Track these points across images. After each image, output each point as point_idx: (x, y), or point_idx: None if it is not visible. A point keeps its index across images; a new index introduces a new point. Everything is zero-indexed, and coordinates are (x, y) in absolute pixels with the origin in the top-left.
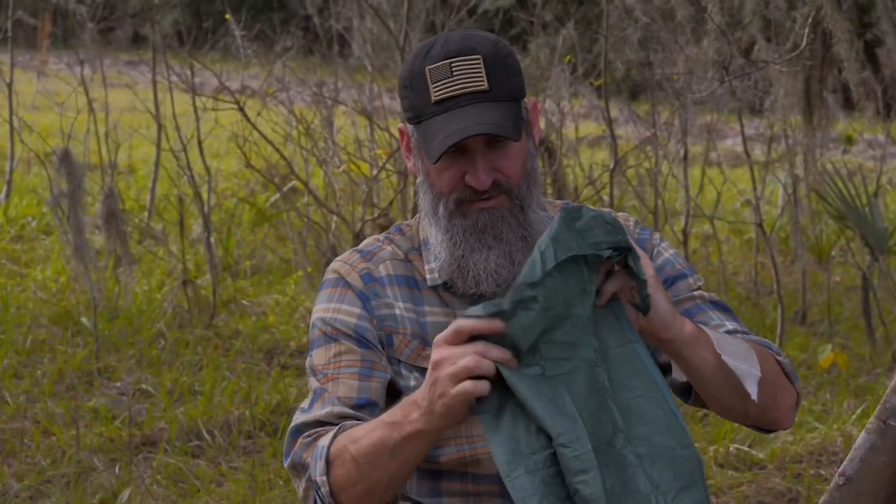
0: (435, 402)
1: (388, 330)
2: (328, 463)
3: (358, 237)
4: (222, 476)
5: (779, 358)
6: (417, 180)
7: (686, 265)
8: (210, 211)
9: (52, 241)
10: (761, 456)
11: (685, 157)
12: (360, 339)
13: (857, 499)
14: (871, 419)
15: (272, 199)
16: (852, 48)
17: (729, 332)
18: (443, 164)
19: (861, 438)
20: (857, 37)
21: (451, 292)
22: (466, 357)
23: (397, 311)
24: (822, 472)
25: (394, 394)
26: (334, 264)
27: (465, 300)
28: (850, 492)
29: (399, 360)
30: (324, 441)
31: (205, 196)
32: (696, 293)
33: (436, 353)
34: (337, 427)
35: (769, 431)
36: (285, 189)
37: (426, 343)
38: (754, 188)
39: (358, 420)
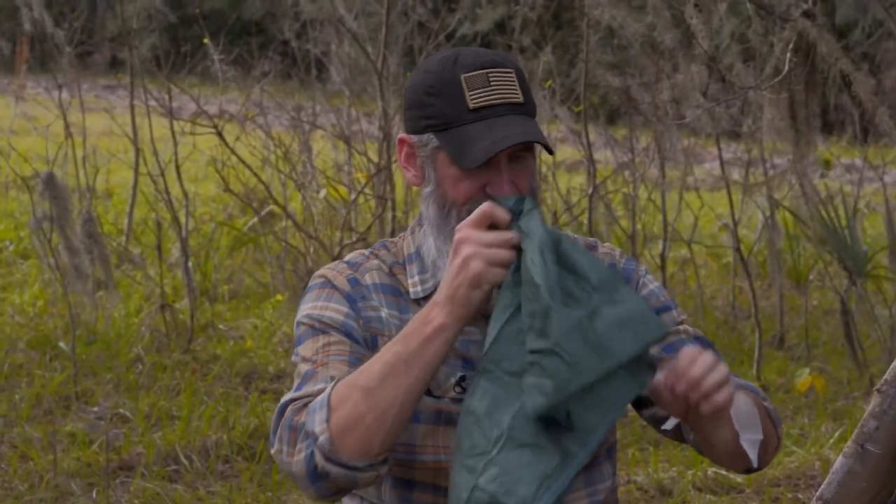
0: (461, 286)
1: (374, 332)
2: (330, 409)
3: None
4: (200, 501)
5: (765, 403)
6: (425, 190)
7: (669, 298)
8: (188, 235)
9: (30, 266)
10: (739, 480)
11: (662, 182)
12: (349, 334)
13: None
14: (849, 443)
15: (250, 224)
16: (837, 66)
17: None
18: (461, 175)
19: (839, 462)
20: (835, 60)
21: None
22: (491, 239)
23: (383, 314)
24: (800, 496)
25: None
26: (321, 270)
27: None
28: None
29: None
30: (322, 395)
31: (182, 220)
32: (680, 327)
33: (461, 234)
34: (335, 381)
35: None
36: (263, 213)
37: None
38: (732, 212)
39: None
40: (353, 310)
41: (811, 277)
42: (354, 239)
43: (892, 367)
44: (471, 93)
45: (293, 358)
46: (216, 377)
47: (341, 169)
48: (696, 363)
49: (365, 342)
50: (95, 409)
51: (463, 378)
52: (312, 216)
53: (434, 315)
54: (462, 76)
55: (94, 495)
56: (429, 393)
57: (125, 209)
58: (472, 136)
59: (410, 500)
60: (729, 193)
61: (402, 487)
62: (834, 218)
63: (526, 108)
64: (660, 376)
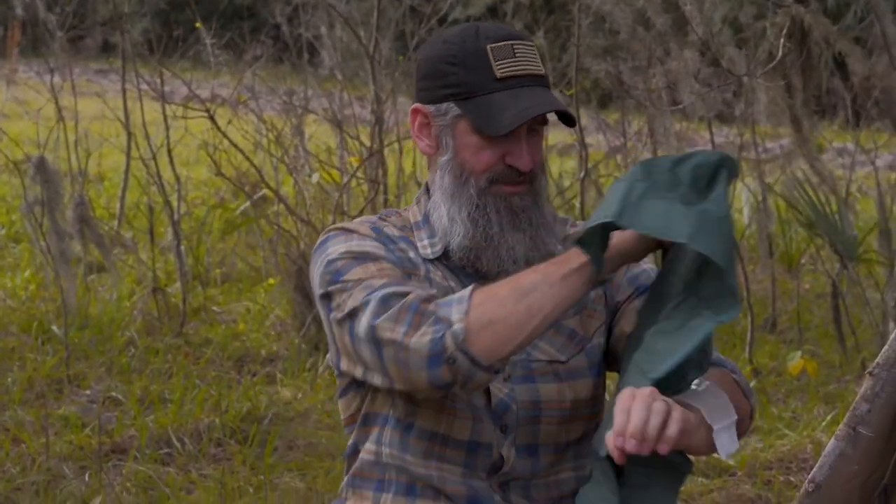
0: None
1: (408, 270)
2: (471, 304)
3: None
4: (192, 484)
5: (734, 377)
6: (441, 159)
7: None
8: (180, 219)
9: (22, 249)
10: (731, 463)
11: None
12: (396, 265)
13: None
14: (841, 426)
15: (242, 208)
16: (833, 48)
17: None
18: (482, 143)
19: (830, 445)
20: (828, 44)
21: (445, 268)
22: None
23: (412, 255)
24: (792, 478)
25: None
26: (337, 225)
27: (458, 273)
28: (821, 499)
29: None
30: (461, 292)
31: (174, 204)
32: None
33: None
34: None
35: None
36: (255, 197)
37: None
38: None
39: None
40: (388, 249)
41: (803, 261)
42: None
43: (883, 350)
44: (497, 62)
45: (332, 287)
46: (208, 361)
47: (333, 153)
48: (630, 417)
49: None
50: (88, 392)
51: None
52: (304, 200)
53: (574, 257)
54: (488, 46)
55: (86, 478)
56: None
57: (117, 193)
58: (500, 105)
59: (406, 444)
60: None
61: (401, 430)
62: (825, 203)
63: (546, 81)
64: (608, 439)
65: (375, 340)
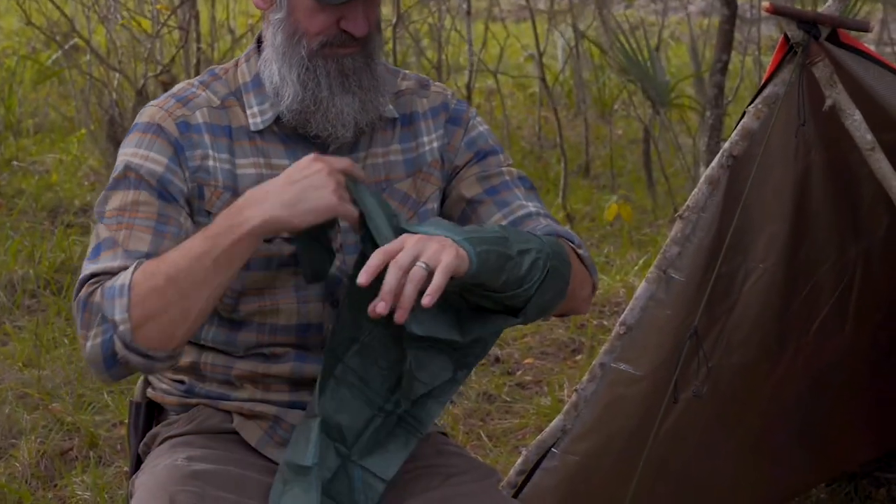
0: (300, 203)
1: (201, 181)
2: (131, 298)
3: (141, 94)
4: (6, 335)
5: (579, 251)
6: (274, 16)
7: (497, 143)
8: None
9: None
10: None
11: (468, 12)
12: (162, 192)
13: (642, 352)
14: (652, 269)
15: (54, 57)
16: None
17: (530, 215)
18: (317, 6)
19: (641, 289)
20: None
21: (274, 136)
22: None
23: (211, 163)
24: (605, 322)
25: None
26: (149, 109)
27: (290, 141)
28: (632, 342)
29: (209, 213)
30: (122, 277)
31: None
32: (504, 169)
33: (324, 160)
34: (134, 264)
35: (565, 315)
36: (67, 47)
37: (238, 195)
38: (537, 42)
39: None
40: (176, 159)
41: (616, 107)
42: (159, 71)
43: (693, 193)
44: None
45: (101, 197)
46: (21, 212)
47: (144, 0)
48: (386, 279)
49: (189, 193)
50: None
51: None
52: (116, 49)
53: (249, 216)
54: None
55: None
56: None
57: None
58: None
59: (235, 341)
60: (534, 24)
61: (227, 327)
62: (636, 49)
63: None
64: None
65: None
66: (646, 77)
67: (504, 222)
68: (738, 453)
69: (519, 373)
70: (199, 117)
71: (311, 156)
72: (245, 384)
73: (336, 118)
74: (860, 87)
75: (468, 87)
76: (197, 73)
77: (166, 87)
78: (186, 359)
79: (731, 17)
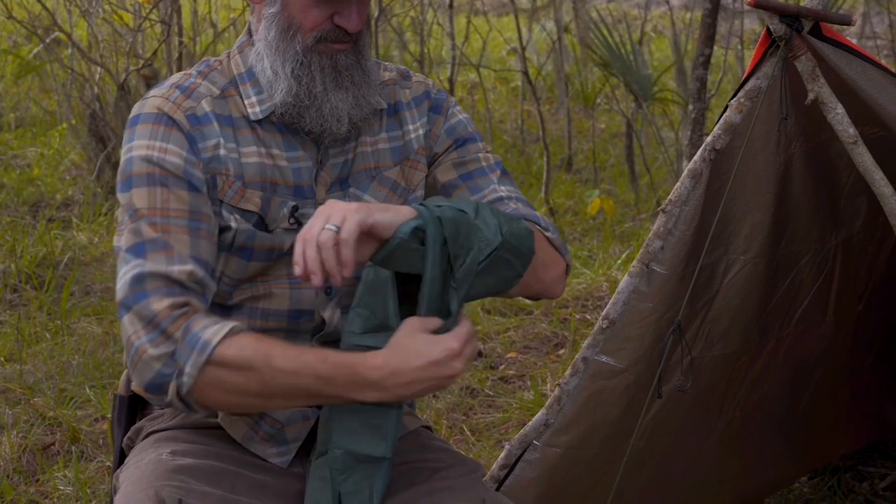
0: (419, 391)
1: (214, 171)
2: (209, 360)
3: (122, 88)
4: None
5: (547, 234)
6: (268, 10)
7: (476, 130)
8: None
9: None
10: (528, 302)
11: (451, 5)
12: (190, 184)
13: (623, 344)
14: (635, 263)
15: (35, 51)
16: None
17: (501, 199)
18: (311, 2)
19: (624, 282)
20: None
21: (272, 127)
22: (459, 363)
23: (222, 152)
24: (588, 316)
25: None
26: (156, 100)
27: (286, 132)
28: (615, 335)
29: (221, 202)
30: (209, 332)
31: None
32: (481, 155)
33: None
34: (226, 327)
35: (537, 299)
36: (48, 40)
37: (245, 185)
38: (519, 36)
39: (204, 286)
40: (193, 152)
41: (598, 101)
42: (140, 65)
43: (676, 187)
44: None
45: (122, 196)
46: (2, 206)
47: None
48: (305, 257)
49: (206, 184)
50: None
51: (295, 208)
52: (98, 43)
53: (369, 393)
54: None
55: None
56: (264, 228)
57: None
58: None
59: None
60: (516, 17)
61: (219, 312)
62: (619, 43)
63: None
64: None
65: (122, 316)
66: (628, 70)
67: None
68: (720, 445)
69: (502, 367)
70: (205, 107)
71: (456, 344)
72: None
73: (330, 114)
74: (843, 81)
75: (450, 81)
76: (179, 68)
77: (148, 81)
78: None
79: (713, 10)
